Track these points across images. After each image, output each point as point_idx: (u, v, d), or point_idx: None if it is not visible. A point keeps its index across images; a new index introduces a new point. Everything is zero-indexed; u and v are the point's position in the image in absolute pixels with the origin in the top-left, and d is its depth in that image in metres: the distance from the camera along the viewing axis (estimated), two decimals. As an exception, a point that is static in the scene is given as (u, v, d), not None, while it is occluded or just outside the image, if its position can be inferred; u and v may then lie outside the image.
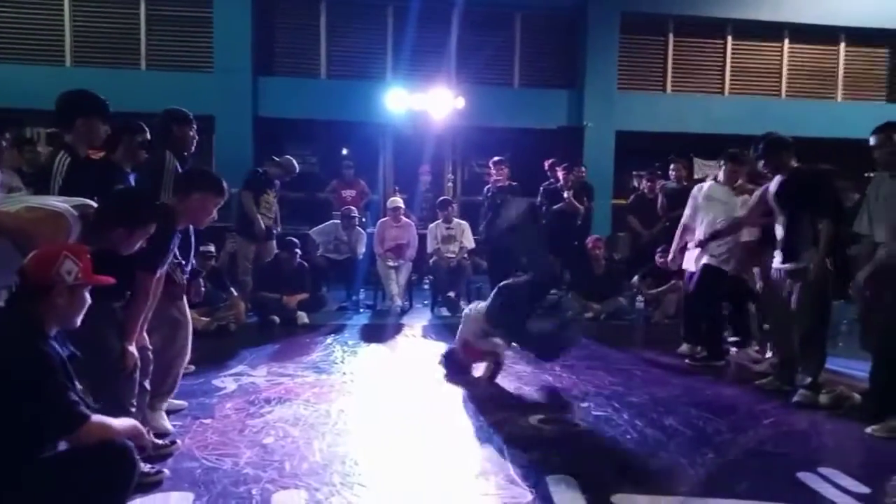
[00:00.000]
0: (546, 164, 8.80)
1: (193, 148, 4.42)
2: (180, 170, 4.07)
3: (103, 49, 10.66)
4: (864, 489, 3.10)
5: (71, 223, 2.53)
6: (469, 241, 8.09)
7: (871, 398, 4.24)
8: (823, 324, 4.54)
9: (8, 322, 2.23)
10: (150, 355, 3.34)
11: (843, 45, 12.40)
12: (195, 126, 4.34)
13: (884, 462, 3.51)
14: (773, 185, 4.77)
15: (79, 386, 2.30)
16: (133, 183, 3.71)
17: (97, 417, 2.21)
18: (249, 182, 7.21)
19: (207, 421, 3.90)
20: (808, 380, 4.49)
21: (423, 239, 8.27)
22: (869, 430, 3.88)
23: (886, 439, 3.78)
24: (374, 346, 6.19)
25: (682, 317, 6.27)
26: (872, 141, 4.18)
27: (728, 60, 12.23)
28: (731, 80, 12.25)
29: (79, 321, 2.33)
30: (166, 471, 3.11)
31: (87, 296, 2.34)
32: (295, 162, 7.71)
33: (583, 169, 8.88)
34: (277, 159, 7.52)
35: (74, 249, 2.32)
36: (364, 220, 8.98)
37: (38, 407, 2.11)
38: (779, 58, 12.36)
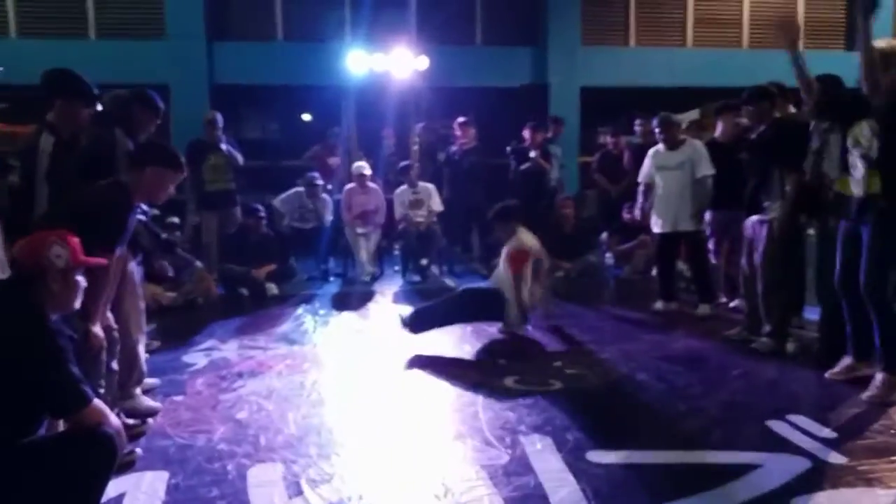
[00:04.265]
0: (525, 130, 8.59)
1: (151, 131, 4.11)
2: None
3: (49, 18, 10.26)
4: (831, 434, 3.18)
5: None
6: (437, 205, 8.01)
7: (822, 342, 4.34)
8: (787, 275, 4.58)
9: (12, 304, 2.23)
10: (116, 335, 3.27)
11: (802, -7, 12.44)
12: (160, 114, 4.01)
13: (844, 404, 3.58)
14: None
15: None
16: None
17: (97, 402, 2.20)
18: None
19: (179, 398, 3.85)
20: (767, 328, 4.58)
21: (390, 204, 8.17)
22: (827, 374, 3.98)
23: (844, 381, 3.87)
24: (345, 314, 6.15)
25: (657, 275, 6.25)
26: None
27: (690, 12, 12.20)
28: (694, 31, 12.24)
29: (77, 305, 2.37)
30: (139, 450, 3.07)
31: (81, 279, 2.35)
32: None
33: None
34: None
35: (60, 233, 2.33)
36: (330, 186, 8.80)
37: (46, 384, 2.09)
38: (739, 8, 12.36)
